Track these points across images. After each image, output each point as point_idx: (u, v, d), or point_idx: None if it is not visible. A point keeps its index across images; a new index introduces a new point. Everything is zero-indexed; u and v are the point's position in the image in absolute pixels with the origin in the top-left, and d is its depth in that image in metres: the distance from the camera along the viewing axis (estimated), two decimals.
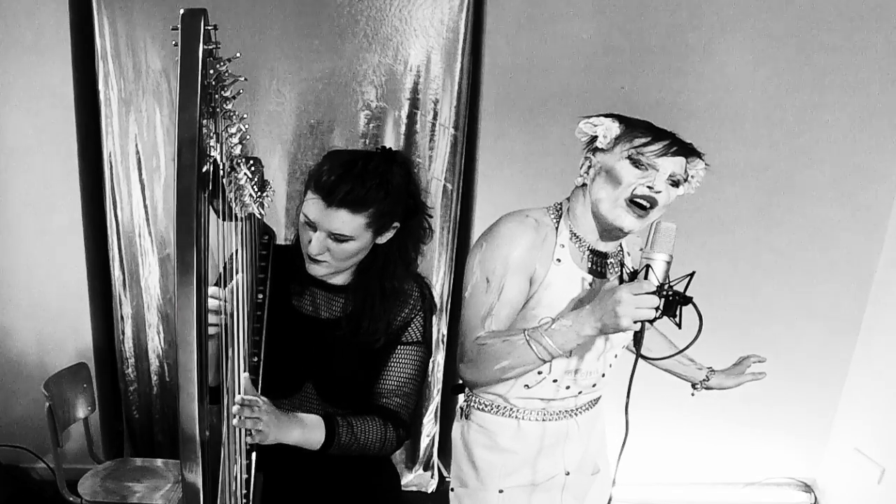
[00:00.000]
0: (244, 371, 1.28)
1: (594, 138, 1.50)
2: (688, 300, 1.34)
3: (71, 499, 2.45)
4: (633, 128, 1.47)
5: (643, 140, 1.44)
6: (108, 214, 2.96)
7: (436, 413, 3.28)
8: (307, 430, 1.35)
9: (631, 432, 1.44)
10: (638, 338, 1.37)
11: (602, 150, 1.49)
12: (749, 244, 3.07)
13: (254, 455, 1.33)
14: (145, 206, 2.96)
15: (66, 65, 2.78)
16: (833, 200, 3.04)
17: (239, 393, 1.25)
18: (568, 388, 1.60)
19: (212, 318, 1.25)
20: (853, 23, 2.83)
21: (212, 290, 1.26)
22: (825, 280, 3.12)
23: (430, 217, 1.52)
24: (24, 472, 3.17)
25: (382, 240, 1.45)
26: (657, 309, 1.32)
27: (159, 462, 2.74)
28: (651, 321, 1.33)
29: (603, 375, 1.66)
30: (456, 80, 2.89)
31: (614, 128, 1.48)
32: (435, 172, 3.00)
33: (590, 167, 1.52)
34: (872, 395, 3.11)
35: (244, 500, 1.30)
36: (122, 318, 3.08)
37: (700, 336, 1.35)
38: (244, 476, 1.31)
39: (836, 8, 2.82)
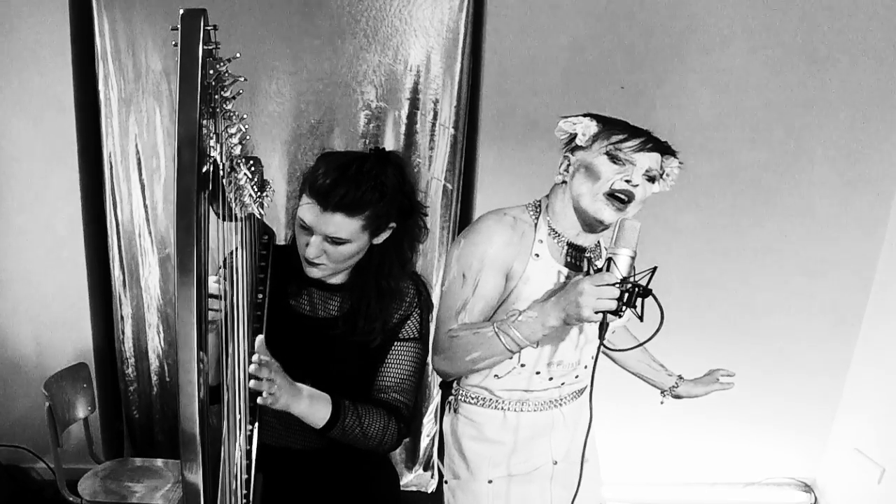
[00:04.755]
0: (245, 370, 1.28)
1: (573, 137, 1.57)
2: (647, 293, 1.40)
3: (71, 499, 2.45)
4: (610, 126, 1.54)
5: (620, 137, 1.51)
6: (108, 214, 2.96)
7: (435, 413, 3.28)
8: (314, 403, 1.35)
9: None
10: (602, 329, 1.43)
11: (581, 147, 1.56)
12: (749, 244, 3.07)
13: (254, 455, 1.33)
14: (145, 206, 2.96)
15: (66, 65, 2.78)
16: (833, 200, 3.04)
17: (240, 388, 1.25)
18: (551, 379, 1.64)
19: (212, 303, 1.25)
20: (853, 22, 2.83)
21: (212, 277, 1.26)
22: (825, 280, 3.12)
23: (426, 216, 1.53)
24: (24, 472, 3.17)
25: (379, 240, 1.45)
26: (619, 300, 1.37)
27: (159, 462, 2.74)
28: (614, 312, 1.38)
29: (585, 367, 1.69)
30: (456, 80, 2.89)
31: (592, 126, 1.55)
32: (435, 172, 3.00)
33: (569, 165, 1.59)
34: (872, 395, 3.11)
35: (244, 500, 1.30)
36: (122, 318, 3.08)
37: (662, 328, 1.40)
38: (244, 476, 1.31)
39: (837, 7, 2.82)
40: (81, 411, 2.67)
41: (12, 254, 2.96)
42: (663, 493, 3.34)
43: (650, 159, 1.51)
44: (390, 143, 2.95)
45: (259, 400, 1.23)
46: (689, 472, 3.35)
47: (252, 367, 1.22)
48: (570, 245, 1.60)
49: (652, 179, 1.54)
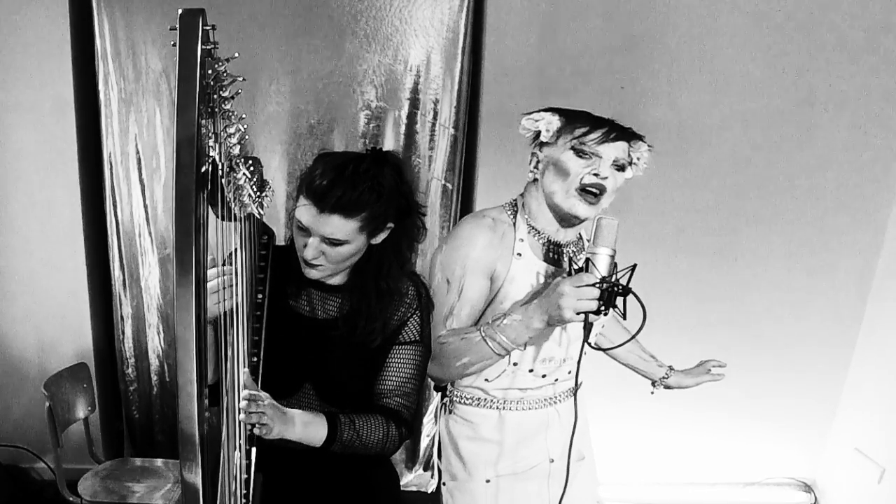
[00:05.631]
0: (244, 372, 1.28)
1: (538, 134, 1.57)
2: (628, 291, 1.39)
3: (71, 499, 2.45)
4: (572, 119, 1.54)
5: (583, 130, 1.51)
6: (108, 214, 2.96)
7: (435, 413, 3.28)
8: (309, 426, 1.35)
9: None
10: (586, 329, 1.43)
11: (547, 143, 1.56)
12: (749, 244, 3.07)
13: (253, 455, 1.33)
14: (145, 206, 2.96)
15: (66, 65, 2.78)
16: (833, 200, 3.03)
17: (239, 389, 1.25)
18: (544, 376, 1.65)
19: (212, 299, 1.25)
20: (853, 23, 2.83)
21: (211, 271, 1.26)
22: (825, 280, 3.12)
23: (424, 216, 1.52)
24: (24, 472, 3.17)
25: (377, 240, 1.44)
26: (599, 301, 1.37)
27: (159, 462, 2.74)
28: (596, 312, 1.38)
29: (578, 363, 1.68)
30: (456, 80, 2.89)
31: (555, 121, 1.55)
32: (435, 172, 3.00)
33: (538, 162, 1.59)
34: (872, 395, 3.11)
35: (244, 500, 1.30)
36: (122, 318, 3.08)
37: (645, 325, 1.40)
38: (244, 476, 1.31)
39: (837, 8, 2.82)
40: (81, 411, 2.67)
41: (12, 254, 2.96)
42: (663, 493, 3.34)
43: (616, 149, 1.51)
44: (390, 143, 2.95)
45: (256, 431, 1.25)
46: (689, 472, 3.35)
47: (242, 404, 1.22)
48: (551, 242, 1.61)
49: (622, 168, 1.54)
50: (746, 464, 3.34)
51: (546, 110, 1.57)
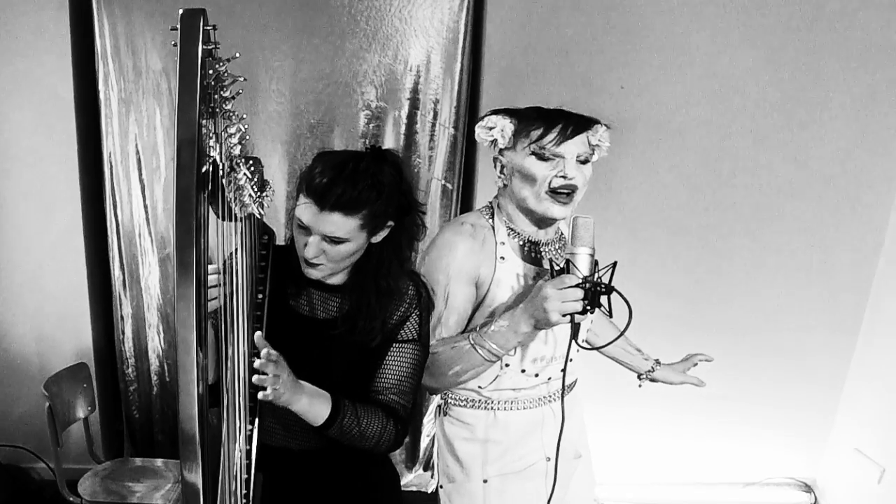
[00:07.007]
0: (244, 372, 1.28)
1: (494, 140, 1.56)
2: (611, 290, 1.38)
3: (71, 499, 2.45)
4: (524, 120, 1.53)
5: (538, 132, 1.49)
6: (108, 214, 2.96)
7: (435, 413, 3.28)
8: (315, 401, 1.34)
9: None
10: (574, 329, 1.43)
11: (507, 148, 1.55)
12: (749, 244, 3.07)
13: (254, 455, 1.33)
14: (145, 206, 2.96)
15: (66, 65, 2.78)
16: (833, 200, 3.03)
17: (240, 389, 1.25)
18: (537, 375, 1.65)
19: (211, 292, 1.25)
20: (853, 22, 2.83)
21: (211, 266, 1.26)
22: (825, 280, 3.12)
23: (424, 214, 1.52)
24: (24, 472, 3.17)
25: (377, 239, 1.44)
26: (584, 301, 1.36)
27: (159, 462, 2.74)
28: (581, 312, 1.37)
29: (571, 360, 1.68)
30: (456, 80, 2.89)
31: (507, 125, 1.54)
32: (435, 172, 3.00)
33: (503, 167, 1.58)
34: (872, 395, 3.11)
35: (244, 500, 1.30)
36: (122, 318, 3.08)
37: (632, 321, 1.39)
38: (244, 476, 1.31)
39: (836, 8, 2.82)
40: (81, 411, 2.67)
41: (12, 254, 2.96)
42: (663, 493, 3.34)
43: (577, 145, 1.50)
44: (390, 142, 2.96)
45: (260, 395, 1.22)
46: (688, 472, 3.35)
47: (259, 363, 1.20)
48: (531, 242, 1.60)
49: (586, 161, 1.53)
50: (746, 464, 3.34)
51: (495, 113, 1.55)
